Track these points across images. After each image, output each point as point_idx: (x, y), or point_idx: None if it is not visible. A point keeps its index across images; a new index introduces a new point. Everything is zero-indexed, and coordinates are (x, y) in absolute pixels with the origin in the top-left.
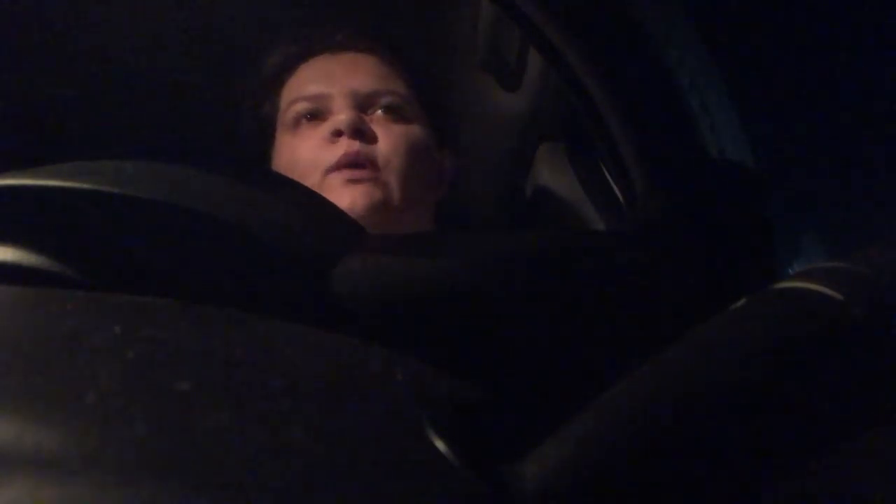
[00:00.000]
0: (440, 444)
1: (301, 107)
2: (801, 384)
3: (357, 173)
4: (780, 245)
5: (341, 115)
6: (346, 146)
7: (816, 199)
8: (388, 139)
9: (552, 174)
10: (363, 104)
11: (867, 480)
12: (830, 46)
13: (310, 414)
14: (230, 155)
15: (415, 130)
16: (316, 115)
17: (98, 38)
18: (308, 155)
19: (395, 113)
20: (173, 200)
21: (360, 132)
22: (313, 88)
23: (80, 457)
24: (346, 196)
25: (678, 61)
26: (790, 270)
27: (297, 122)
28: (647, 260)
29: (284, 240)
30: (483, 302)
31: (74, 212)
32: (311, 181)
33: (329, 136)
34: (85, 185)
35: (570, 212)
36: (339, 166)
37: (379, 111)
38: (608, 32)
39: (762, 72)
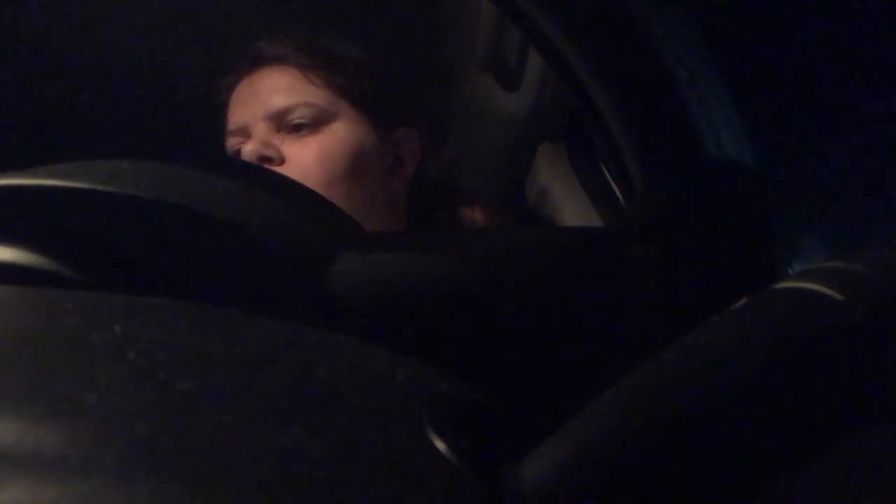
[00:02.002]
0: (440, 444)
1: (231, 143)
2: (800, 384)
3: None
4: (780, 245)
5: (247, 147)
6: None
7: (816, 198)
8: (298, 157)
9: (552, 174)
10: (279, 124)
11: (866, 480)
12: (830, 44)
13: (310, 414)
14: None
15: (335, 135)
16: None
17: (96, 37)
18: None
19: (307, 126)
20: (172, 200)
21: (267, 159)
22: (235, 119)
23: (80, 457)
24: None
25: (676, 59)
26: (790, 270)
27: (234, 157)
28: (646, 259)
29: (283, 238)
30: (482, 300)
31: (73, 211)
32: None
33: None
34: (83, 185)
35: (570, 212)
36: None
37: (292, 128)
38: (607, 32)
39: (762, 70)
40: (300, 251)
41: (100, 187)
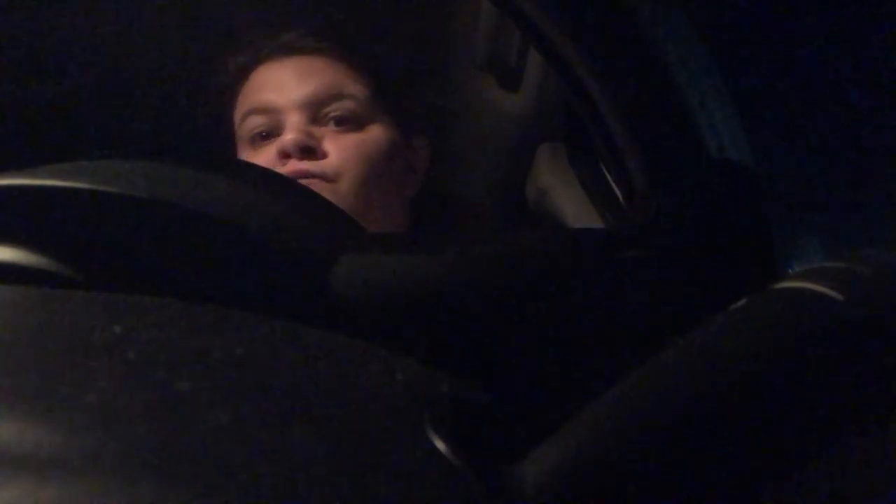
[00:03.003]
0: (440, 444)
1: (253, 123)
2: (800, 384)
3: (306, 182)
4: (780, 245)
5: (288, 135)
6: (293, 166)
7: (816, 199)
8: (340, 153)
9: (552, 174)
10: (315, 114)
11: (867, 480)
12: (830, 44)
13: (310, 414)
14: (226, 153)
15: (373, 135)
16: (270, 133)
17: (96, 36)
18: None
19: (348, 122)
20: (173, 200)
21: (309, 150)
22: (263, 98)
23: (80, 457)
24: None
25: (677, 60)
26: (790, 270)
27: (252, 140)
28: (646, 259)
29: (283, 239)
30: (483, 301)
31: (74, 212)
32: None
33: (277, 157)
34: (84, 185)
35: (570, 212)
36: None
37: (332, 122)
38: (607, 32)
39: (762, 70)
40: (301, 252)
41: (100, 187)
